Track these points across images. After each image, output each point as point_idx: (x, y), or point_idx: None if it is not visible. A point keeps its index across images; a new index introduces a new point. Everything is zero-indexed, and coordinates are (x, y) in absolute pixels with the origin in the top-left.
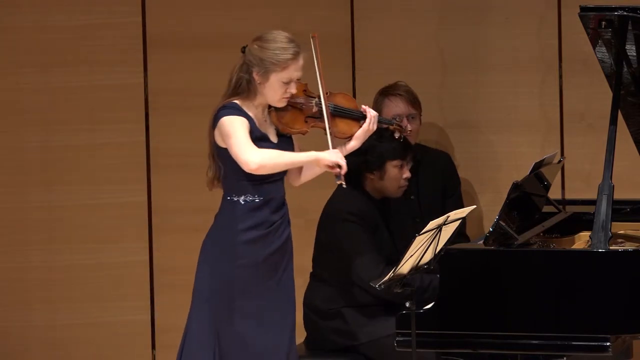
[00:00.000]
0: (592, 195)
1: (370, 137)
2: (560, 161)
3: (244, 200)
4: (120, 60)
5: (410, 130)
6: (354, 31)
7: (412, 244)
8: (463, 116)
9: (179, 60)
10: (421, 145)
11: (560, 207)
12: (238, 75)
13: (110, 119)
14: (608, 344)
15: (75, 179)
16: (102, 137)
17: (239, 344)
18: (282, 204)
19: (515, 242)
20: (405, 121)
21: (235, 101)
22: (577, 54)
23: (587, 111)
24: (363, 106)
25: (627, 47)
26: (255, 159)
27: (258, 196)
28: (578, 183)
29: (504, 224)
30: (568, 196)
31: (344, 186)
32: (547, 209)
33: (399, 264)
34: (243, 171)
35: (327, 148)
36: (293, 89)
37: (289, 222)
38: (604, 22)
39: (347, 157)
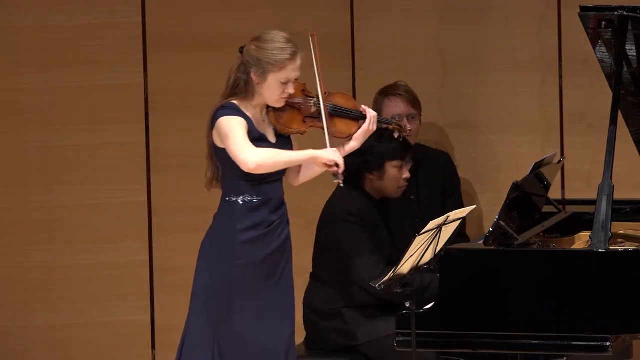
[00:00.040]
0: (592, 195)
1: (370, 137)
2: (560, 161)
3: (242, 201)
4: (120, 60)
5: (409, 130)
6: (354, 31)
7: (412, 244)
8: (463, 116)
9: (179, 60)
10: (421, 145)
11: (560, 207)
12: (236, 76)
13: (110, 119)
14: (608, 344)
15: (75, 179)
16: (102, 137)
17: (237, 343)
18: (281, 204)
19: (515, 242)
20: (405, 121)
21: (234, 101)
22: (577, 54)
23: (587, 111)
24: (362, 106)
25: (627, 47)
26: (254, 158)
27: (256, 196)
28: (578, 183)
29: (504, 224)
30: (568, 196)
31: (342, 185)
32: (547, 209)
33: (399, 264)
34: (241, 171)
35: (325, 148)
36: (291, 89)
37: (287, 222)
38: (604, 22)
39: (346, 157)
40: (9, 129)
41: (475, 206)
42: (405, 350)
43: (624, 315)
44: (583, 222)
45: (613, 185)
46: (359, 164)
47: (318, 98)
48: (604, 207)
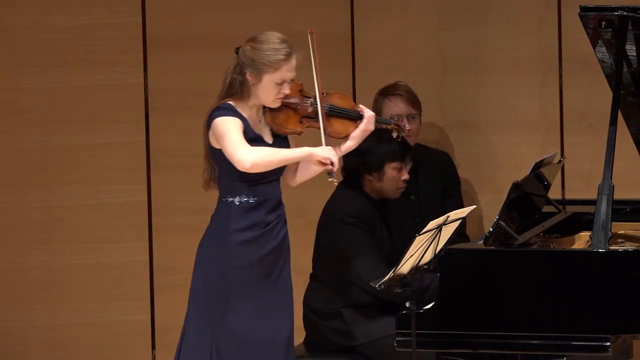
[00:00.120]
0: (592, 195)
1: (370, 138)
2: (560, 161)
3: (238, 201)
4: (120, 60)
5: (408, 130)
6: (354, 31)
7: (412, 244)
8: (463, 116)
9: (179, 60)
10: (421, 145)
11: (560, 207)
12: (232, 76)
13: (110, 119)
14: (608, 344)
15: (75, 179)
16: (102, 137)
17: (235, 343)
18: (278, 204)
19: (515, 242)
20: (404, 121)
21: (229, 102)
22: (577, 54)
23: (587, 111)
24: (360, 106)
25: (627, 47)
26: (249, 157)
27: (253, 197)
28: (578, 183)
29: (504, 224)
30: (568, 196)
31: (335, 183)
32: (547, 209)
33: (399, 264)
34: (237, 172)
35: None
36: (286, 90)
37: (285, 222)
38: (604, 22)
39: (346, 157)
40: (9, 129)
41: (475, 206)
42: (405, 350)
43: (624, 315)
44: (583, 222)
45: (613, 185)
46: (358, 165)
47: (315, 98)
48: (604, 207)
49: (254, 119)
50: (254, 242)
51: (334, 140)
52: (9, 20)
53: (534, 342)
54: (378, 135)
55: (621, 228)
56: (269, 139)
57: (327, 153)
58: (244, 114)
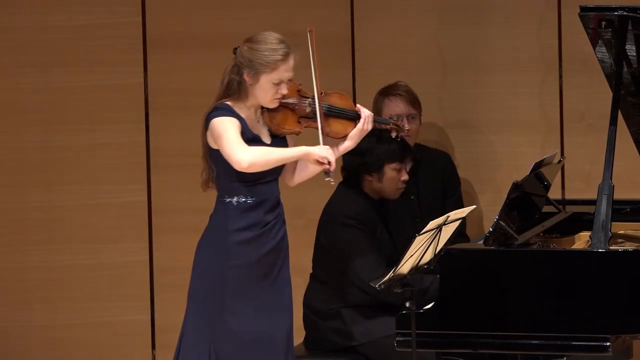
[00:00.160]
0: (592, 195)
1: (370, 138)
2: (560, 161)
3: (236, 202)
4: (120, 60)
5: (407, 130)
6: (354, 31)
7: (412, 244)
8: (463, 116)
9: (179, 60)
10: (421, 145)
11: (560, 207)
12: (229, 77)
13: (110, 119)
14: (608, 344)
15: (75, 179)
16: (102, 137)
17: (234, 343)
18: (277, 204)
19: (515, 242)
20: (404, 121)
21: (227, 102)
22: (577, 54)
23: (587, 111)
24: (357, 105)
25: (627, 47)
26: (246, 157)
27: (251, 197)
28: (578, 183)
29: (504, 224)
30: (568, 196)
31: (333, 183)
32: (547, 209)
33: (399, 264)
34: (235, 172)
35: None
36: (284, 90)
37: (284, 221)
38: (604, 22)
39: (346, 157)
40: (9, 129)
41: (475, 206)
42: (405, 350)
43: (624, 315)
44: (583, 222)
45: (613, 185)
46: (358, 165)
47: (313, 98)
48: (604, 207)
49: (251, 119)
50: (253, 242)
51: (333, 140)
52: (9, 20)
53: (534, 342)
54: (378, 136)
55: (621, 228)
56: (267, 139)
57: (325, 152)
58: (242, 114)
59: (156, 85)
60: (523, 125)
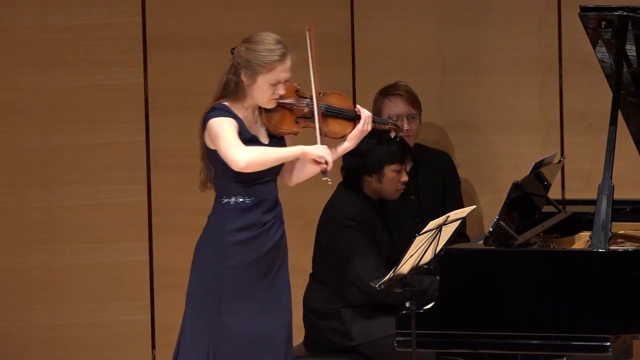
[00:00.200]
0: (592, 195)
1: (370, 140)
2: (560, 161)
3: (234, 202)
4: (120, 60)
5: (406, 130)
6: (354, 31)
7: (412, 244)
8: (463, 116)
9: (179, 60)
10: (421, 145)
11: (560, 207)
12: (227, 77)
13: (110, 119)
14: (608, 344)
15: (75, 179)
16: (102, 137)
17: (233, 344)
18: (275, 204)
19: (515, 242)
20: (404, 121)
21: (225, 103)
22: (577, 54)
23: (587, 111)
24: (357, 106)
25: (627, 47)
26: (243, 157)
27: (248, 197)
28: (578, 183)
29: (504, 224)
30: (568, 196)
31: (330, 182)
32: (547, 209)
33: (399, 264)
34: (233, 172)
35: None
36: (281, 90)
37: (282, 221)
38: (604, 22)
39: (346, 158)
40: (9, 129)
41: (475, 206)
42: (405, 350)
43: (624, 315)
44: (583, 222)
45: (613, 185)
46: (358, 166)
47: (311, 98)
48: (604, 207)
49: (249, 119)
50: (250, 243)
51: (331, 140)
52: (9, 20)
53: (534, 342)
54: (378, 137)
55: (621, 228)
56: (265, 139)
57: (322, 152)
58: (240, 115)
59: (156, 85)
60: (523, 125)
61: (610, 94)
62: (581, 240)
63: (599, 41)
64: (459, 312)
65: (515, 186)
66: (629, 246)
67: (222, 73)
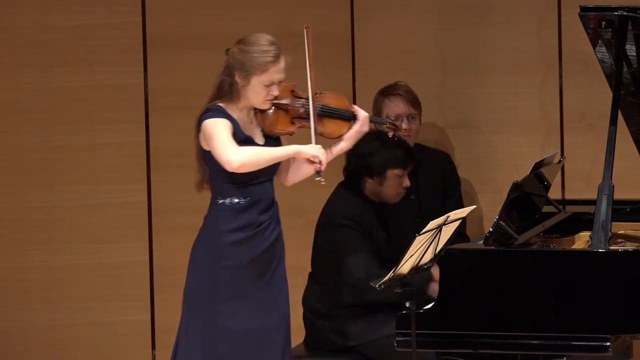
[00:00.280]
0: (592, 195)
1: (375, 142)
2: (560, 161)
3: (229, 202)
4: (120, 60)
5: (405, 129)
6: (354, 31)
7: (412, 244)
8: (463, 116)
9: (179, 60)
10: (421, 145)
11: (560, 207)
12: (221, 78)
13: (110, 119)
14: (608, 344)
15: (75, 179)
16: (102, 137)
17: (230, 344)
18: (271, 205)
19: (515, 242)
20: (404, 121)
21: (219, 104)
22: (577, 54)
23: (587, 111)
24: (354, 106)
25: (627, 47)
26: (237, 157)
27: (243, 198)
28: (578, 183)
29: (504, 224)
30: (568, 196)
31: (323, 183)
32: (547, 209)
33: (399, 264)
34: (227, 173)
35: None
36: (275, 91)
37: (278, 221)
38: (604, 22)
39: (350, 158)
40: (9, 129)
41: (475, 206)
42: (405, 350)
43: (624, 315)
44: (583, 222)
45: (613, 185)
46: (360, 167)
47: (307, 99)
48: (604, 207)
49: (244, 120)
50: (246, 243)
51: (328, 140)
52: (9, 20)
53: (534, 342)
54: (383, 140)
55: (621, 228)
56: (260, 140)
57: (316, 151)
58: (234, 116)
59: (156, 85)
60: (523, 125)
61: (610, 94)
62: (581, 240)
63: (599, 41)
64: (459, 312)
65: (515, 186)
66: (629, 246)
67: (216, 74)
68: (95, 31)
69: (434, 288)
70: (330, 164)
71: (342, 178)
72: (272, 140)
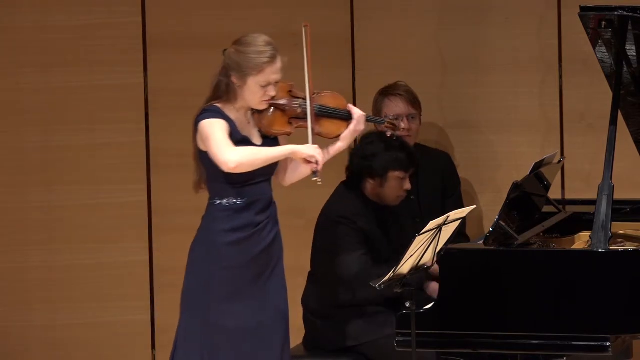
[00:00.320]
0: (592, 195)
1: (378, 144)
2: (560, 161)
3: (227, 203)
4: (120, 60)
5: (403, 129)
6: (354, 31)
7: (412, 244)
8: (463, 116)
9: (179, 60)
10: (421, 145)
11: (560, 207)
12: (218, 79)
13: (110, 119)
14: (608, 344)
15: (75, 179)
16: (102, 137)
17: (228, 343)
18: (269, 205)
19: (515, 242)
20: (405, 121)
21: (217, 104)
22: (577, 54)
23: (587, 111)
24: (349, 106)
25: (627, 47)
26: (233, 157)
27: (240, 198)
28: (578, 183)
29: (504, 224)
30: (568, 196)
31: (319, 182)
32: (547, 209)
33: (399, 264)
34: (224, 174)
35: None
36: (272, 92)
37: (276, 222)
38: (604, 22)
39: (352, 158)
40: (9, 129)
41: (475, 206)
42: (405, 350)
43: (624, 315)
44: (583, 222)
45: (613, 185)
46: (363, 168)
47: (304, 99)
48: (604, 207)
49: (241, 121)
50: (243, 243)
51: (326, 140)
52: (9, 20)
53: (534, 342)
54: (386, 142)
55: (621, 228)
56: (257, 140)
57: (313, 151)
58: (231, 116)
59: (156, 85)
60: (523, 125)
61: (610, 94)
62: (581, 240)
63: (599, 41)
64: (459, 312)
65: (515, 186)
66: (629, 246)
67: (214, 74)
68: (95, 31)
69: (434, 288)
70: (330, 164)
71: (342, 178)
72: (270, 140)
